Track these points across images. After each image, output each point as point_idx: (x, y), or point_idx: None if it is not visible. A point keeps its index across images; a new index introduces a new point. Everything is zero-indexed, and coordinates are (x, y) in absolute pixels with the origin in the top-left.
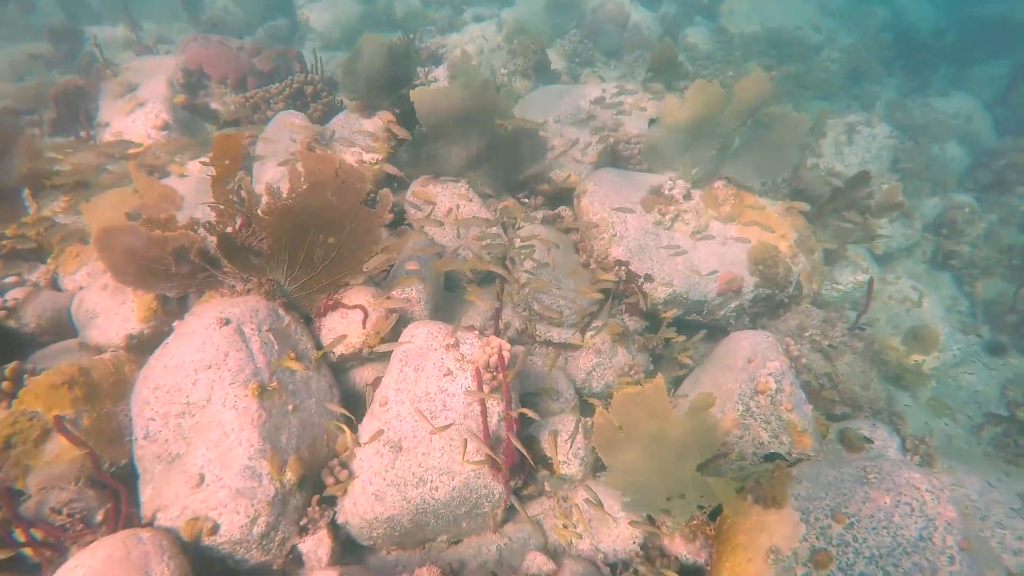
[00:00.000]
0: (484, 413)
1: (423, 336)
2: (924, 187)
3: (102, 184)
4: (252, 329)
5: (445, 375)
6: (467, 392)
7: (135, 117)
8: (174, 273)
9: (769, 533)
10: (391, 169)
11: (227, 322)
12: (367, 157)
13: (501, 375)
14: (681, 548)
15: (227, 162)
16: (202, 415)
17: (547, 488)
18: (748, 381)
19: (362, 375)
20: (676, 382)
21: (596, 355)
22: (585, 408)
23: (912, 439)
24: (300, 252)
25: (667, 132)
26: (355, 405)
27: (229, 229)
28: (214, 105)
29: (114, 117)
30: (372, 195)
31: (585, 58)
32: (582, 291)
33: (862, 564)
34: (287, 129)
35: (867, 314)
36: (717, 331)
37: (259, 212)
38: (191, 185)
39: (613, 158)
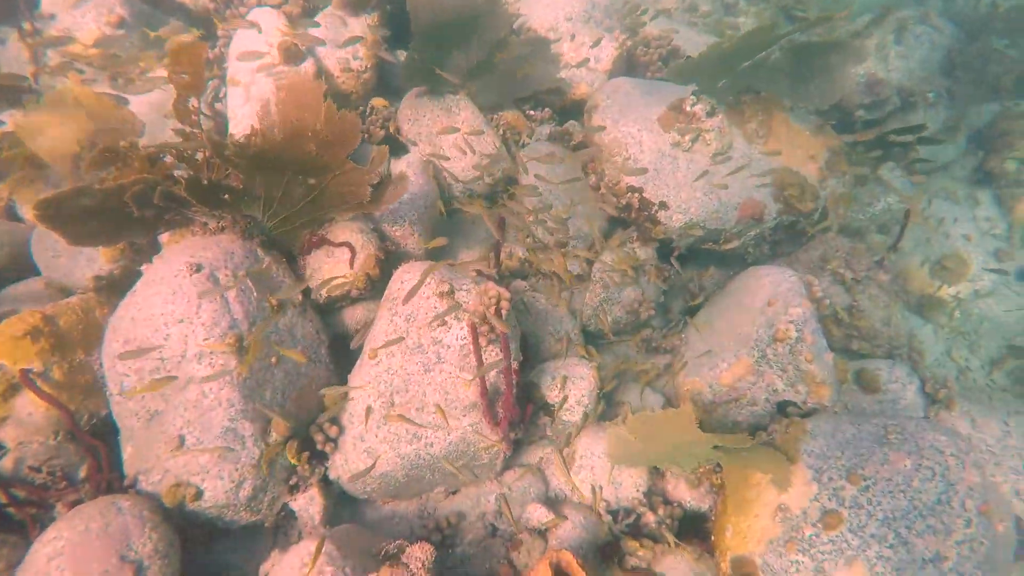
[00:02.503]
0: (481, 368)
1: (414, 281)
2: (978, 92)
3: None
4: (227, 275)
5: (439, 324)
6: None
7: (85, 10)
8: (137, 218)
9: (778, 490)
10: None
11: (199, 268)
12: (354, 64)
13: (500, 328)
14: (685, 494)
15: (187, 77)
16: (178, 371)
17: (548, 434)
18: (767, 326)
19: (353, 315)
20: (689, 311)
21: (604, 289)
22: (591, 345)
23: (932, 382)
24: (276, 191)
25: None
26: (346, 348)
27: (199, 156)
28: None
29: (60, 8)
30: (362, 110)
31: None
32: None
33: (874, 526)
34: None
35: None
36: (734, 261)
37: (226, 155)
38: (158, 97)
39: (630, 64)
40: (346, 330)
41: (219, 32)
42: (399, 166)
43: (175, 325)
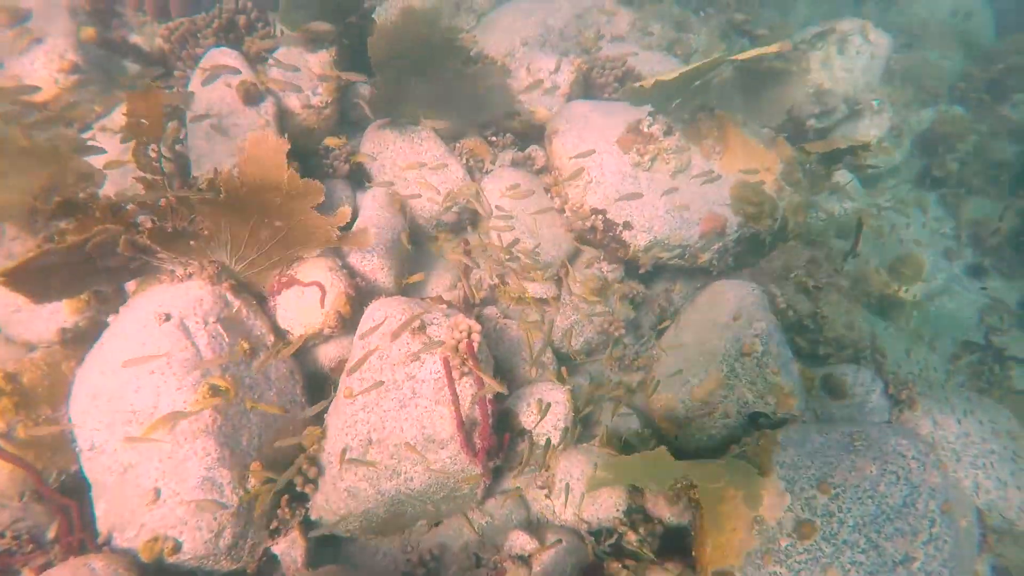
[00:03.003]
0: (456, 401)
1: (384, 317)
2: (916, 97)
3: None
4: (197, 323)
5: (412, 360)
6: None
7: (33, 57)
8: (102, 269)
9: (753, 503)
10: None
11: (168, 318)
12: (314, 100)
13: (471, 363)
14: (665, 511)
15: (146, 124)
16: (151, 423)
17: (528, 459)
18: (733, 341)
19: (327, 353)
20: (657, 333)
21: (574, 311)
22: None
23: (895, 383)
24: (243, 234)
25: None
26: (321, 386)
27: (162, 203)
28: (134, 38)
29: (5, 56)
30: (324, 148)
31: None
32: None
33: (845, 532)
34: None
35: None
36: (699, 273)
37: (193, 201)
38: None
39: (587, 86)
40: (320, 368)
41: (176, 74)
42: (364, 200)
43: (147, 376)
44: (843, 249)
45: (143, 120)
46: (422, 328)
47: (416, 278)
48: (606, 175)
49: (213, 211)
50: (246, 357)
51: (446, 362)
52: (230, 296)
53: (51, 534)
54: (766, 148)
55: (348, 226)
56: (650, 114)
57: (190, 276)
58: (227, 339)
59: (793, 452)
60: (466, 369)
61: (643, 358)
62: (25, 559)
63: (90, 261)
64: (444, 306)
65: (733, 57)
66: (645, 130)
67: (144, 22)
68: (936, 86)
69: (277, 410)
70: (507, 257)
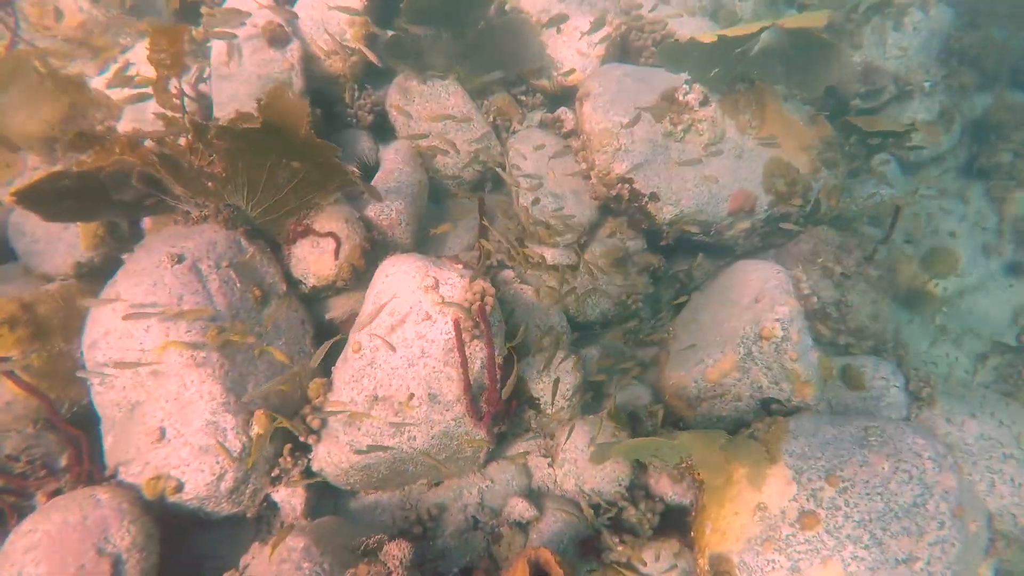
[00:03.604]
0: (464, 364)
1: (399, 275)
2: (972, 80)
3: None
4: (209, 266)
5: (423, 320)
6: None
7: None
8: (116, 201)
9: (758, 488)
10: (371, 56)
11: (180, 259)
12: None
13: (484, 327)
14: (667, 488)
15: (167, 60)
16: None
17: (533, 426)
18: (753, 323)
19: (339, 305)
20: (674, 309)
21: (592, 280)
22: (578, 340)
23: (916, 379)
24: (260, 176)
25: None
26: (331, 337)
27: (182, 142)
28: None
29: None
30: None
31: None
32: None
33: (850, 527)
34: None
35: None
36: (723, 250)
37: (209, 138)
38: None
39: (623, 50)
40: (331, 319)
41: (203, 10)
42: (387, 153)
43: (156, 317)
44: (875, 236)
45: (164, 55)
46: (435, 287)
47: (444, 228)
48: (636, 143)
49: (230, 151)
50: (257, 304)
51: (456, 324)
52: (244, 241)
53: (63, 462)
54: (805, 126)
55: (368, 178)
56: (686, 82)
57: (205, 219)
58: (239, 284)
59: (804, 442)
60: (477, 332)
61: (659, 333)
62: (38, 484)
63: (103, 191)
64: (460, 266)
65: (777, 22)
66: (680, 99)
67: None
68: (996, 68)
69: (283, 357)
70: (531, 221)
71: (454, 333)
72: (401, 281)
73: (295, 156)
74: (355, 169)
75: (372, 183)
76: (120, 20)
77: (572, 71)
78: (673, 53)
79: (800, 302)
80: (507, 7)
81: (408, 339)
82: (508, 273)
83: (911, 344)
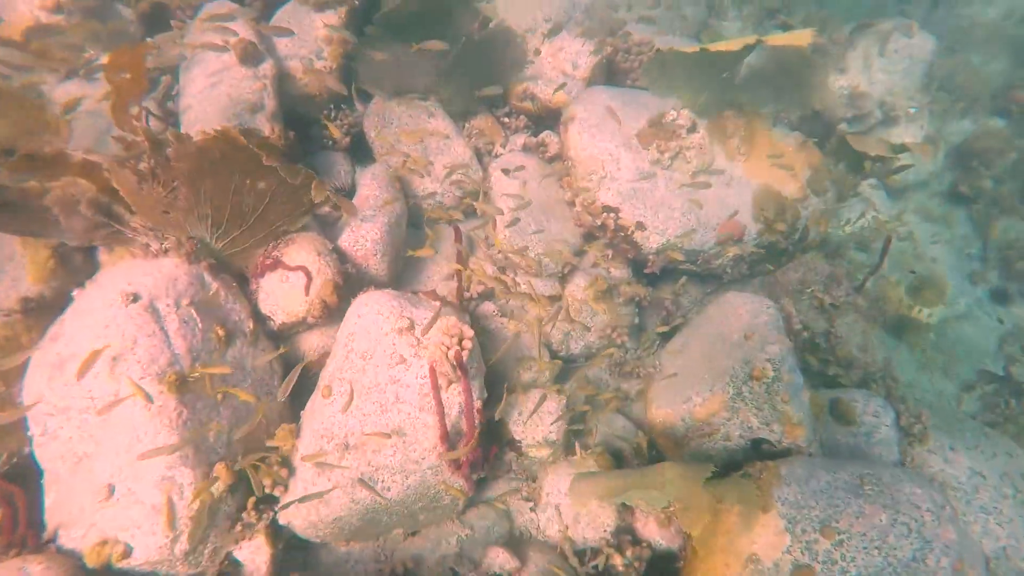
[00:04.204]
0: (441, 411)
1: (372, 316)
2: (954, 106)
3: None
4: (168, 305)
5: (398, 363)
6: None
7: None
8: (66, 227)
9: (750, 538)
10: (335, 86)
11: (136, 298)
12: (318, 64)
13: (461, 376)
14: (655, 533)
15: (128, 81)
16: (109, 413)
17: (515, 468)
18: (743, 362)
19: (310, 342)
20: (660, 337)
21: (576, 313)
22: (561, 373)
23: (907, 414)
24: (225, 203)
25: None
26: (301, 378)
27: (143, 167)
28: None
29: None
30: (327, 114)
31: None
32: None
33: None
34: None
35: (871, 247)
36: (710, 277)
37: (169, 157)
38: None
39: (609, 71)
40: (302, 358)
41: (173, 24)
42: (363, 178)
43: (107, 362)
44: (862, 262)
45: (125, 78)
46: (411, 328)
47: (424, 252)
48: (622, 171)
49: (192, 173)
50: (220, 344)
51: (433, 371)
52: (208, 276)
53: None
54: (794, 151)
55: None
56: (674, 108)
57: (166, 252)
58: (200, 324)
59: (796, 489)
60: (455, 376)
61: (644, 364)
62: None
63: (52, 216)
64: (437, 303)
65: (761, 39)
66: (668, 124)
67: None
68: (978, 94)
69: (249, 397)
70: (510, 251)
71: (430, 380)
72: (374, 322)
73: (260, 173)
74: (323, 181)
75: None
76: (83, 28)
77: (560, 87)
78: (658, 71)
79: (790, 339)
80: (491, 23)
81: (381, 384)
82: (488, 306)
83: (900, 374)
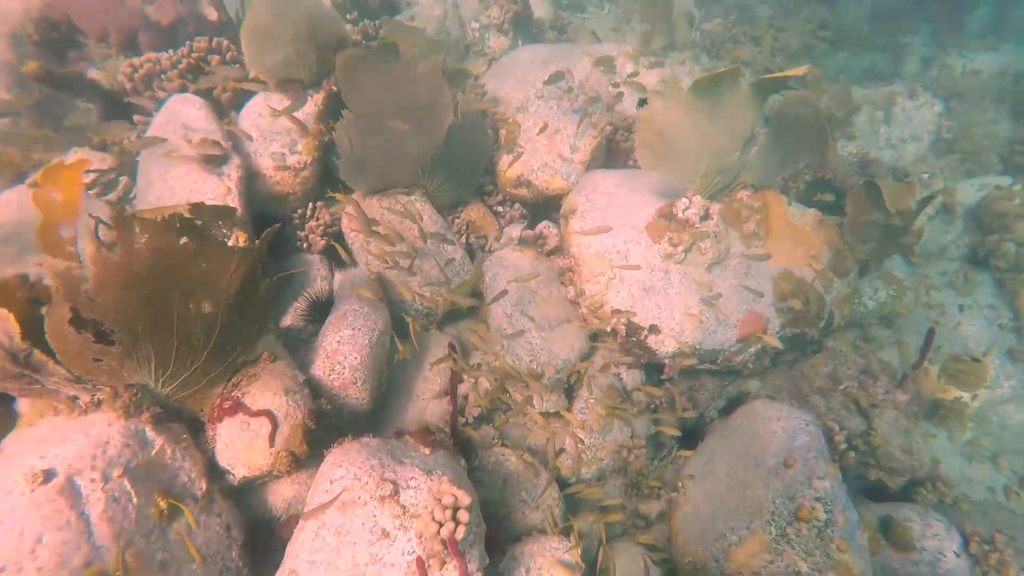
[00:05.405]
0: None
1: (347, 481)
2: (963, 167)
3: None
4: (93, 480)
5: (380, 539)
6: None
7: None
8: None
9: None
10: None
11: (47, 477)
12: (291, 160)
13: (455, 559)
14: None
15: (60, 200)
16: None
17: None
18: (784, 496)
19: (279, 494)
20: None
21: (586, 432)
22: (572, 505)
23: (977, 540)
24: (170, 335)
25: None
26: (269, 536)
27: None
28: (95, 74)
29: None
30: (303, 211)
31: (574, 0)
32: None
33: None
34: (180, 124)
35: (895, 322)
36: (729, 373)
37: (88, 292)
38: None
39: (608, 151)
40: (269, 512)
41: (136, 118)
42: (342, 289)
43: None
44: (887, 339)
45: (57, 196)
46: (394, 494)
47: (403, 354)
48: (633, 270)
49: (118, 303)
50: (163, 521)
51: (420, 563)
52: (150, 432)
53: None
54: (812, 231)
55: (320, 317)
56: (687, 197)
57: (97, 405)
58: (135, 499)
59: None
60: (449, 555)
61: (663, 479)
62: None
63: None
64: (427, 450)
65: (757, 78)
66: (680, 215)
67: (108, 55)
68: (987, 155)
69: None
70: (509, 367)
71: (418, 571)
72: (351, 488)
73: (206, 284)
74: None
75: (323, 329)
76: (31, 135)
77: (555, 176)
78: (653, 152)
79: (836, 465)
80: (484, 95)
81: (360, 564)
82: (488, 430)
83: (947, 473)
